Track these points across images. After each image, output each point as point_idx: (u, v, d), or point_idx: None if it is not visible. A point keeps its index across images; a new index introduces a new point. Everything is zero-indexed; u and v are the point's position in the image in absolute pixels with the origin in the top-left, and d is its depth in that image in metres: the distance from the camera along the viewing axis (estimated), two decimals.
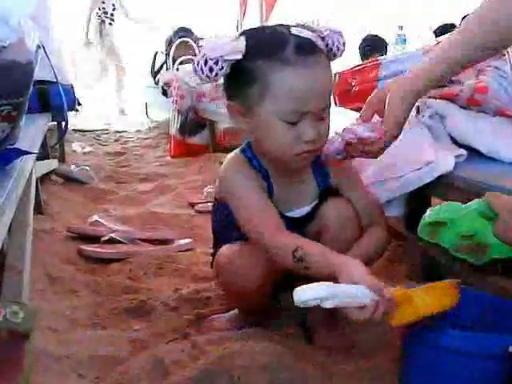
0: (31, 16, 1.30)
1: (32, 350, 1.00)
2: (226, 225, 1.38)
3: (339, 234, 1.31)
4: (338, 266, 1.08)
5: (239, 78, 1.21)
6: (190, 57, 4.37)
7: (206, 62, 1.17)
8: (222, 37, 1.20)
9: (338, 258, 1.12)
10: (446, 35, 1.64)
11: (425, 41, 1.71)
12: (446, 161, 1.39)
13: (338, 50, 1.24)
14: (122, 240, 2.11)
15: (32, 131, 2.17)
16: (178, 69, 4.27)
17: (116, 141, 5.20)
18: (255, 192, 1.27)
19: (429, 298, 1.03)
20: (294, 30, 1.19)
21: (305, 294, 1.00)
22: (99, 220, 2.33)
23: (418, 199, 1.54)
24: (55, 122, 3.33)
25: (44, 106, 2.96)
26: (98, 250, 2.03)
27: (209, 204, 2.69)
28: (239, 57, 1.17)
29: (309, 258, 1.14)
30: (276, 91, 1.16)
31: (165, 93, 4.96)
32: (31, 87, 1.26)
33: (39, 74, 2.59)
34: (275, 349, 1.22)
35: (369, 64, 1.80)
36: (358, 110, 1.80)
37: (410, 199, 1.54)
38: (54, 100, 2.95)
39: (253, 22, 5.31)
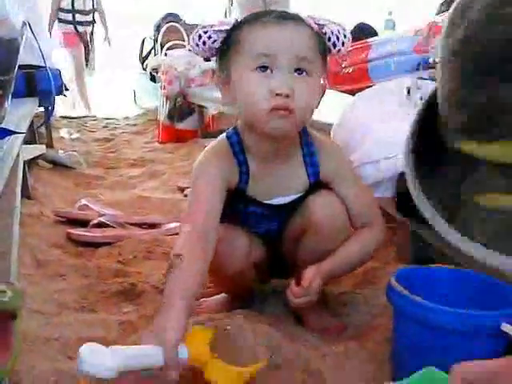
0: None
1: (20, 331, 0.99)
2: None
3: (326, 235, 1.27)
4: (161, 314, 1.02)
5: (225, 47, 1.22)
6: (179, 42, 4.34)
7: (197, 32, 1.21)
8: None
9: (171, 307, 1.01)
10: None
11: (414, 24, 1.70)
12: None
13: (338, 39, 1.20)
14: (110, 224, 2.09)
15: (19, 115, 2.15)
16: (166, 54, 4.23)
17: (104, 127, 5.16)
18: (211, 183, 1.24)
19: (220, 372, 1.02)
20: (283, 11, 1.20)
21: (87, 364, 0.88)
22: (87, 204, 2.31)
23: None
24: (42, 108, 3.30)
25: (31, 91, 2.94)
26: (87, 233, 2.02)
27: None
28: (227, 27, 1.20)
29: (170, 275, 1.07)
30: (248, 40, 1.17)
31: (153, 78, 4.93)
32: (17, 66, 1.24)
33: (26, 58, 2.56)
34: (265, 329, 1.21)
35: (359, 45, 1.79)
36: (348, 92, 1.80)
37: (400, 181, 1.53)
38: (41, 84, 2.93)
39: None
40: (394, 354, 1.16)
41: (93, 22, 6.31)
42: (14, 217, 1.64)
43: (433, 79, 1.59)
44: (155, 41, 5.14)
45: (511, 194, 0.55)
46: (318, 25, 1.19)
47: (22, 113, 2.37)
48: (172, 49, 4.34)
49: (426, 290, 1.15)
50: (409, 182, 0.68)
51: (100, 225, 2.09)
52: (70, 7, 6.09)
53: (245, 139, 1.28)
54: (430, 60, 1.58)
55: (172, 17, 5.32)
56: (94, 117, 5.76)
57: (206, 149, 1.32)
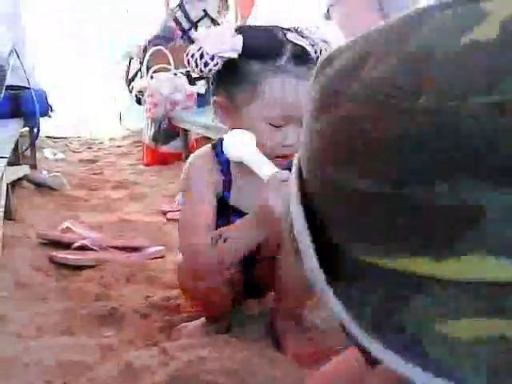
0: (4, 18, 1.30)
1: None
2: None
3: None
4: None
5: (231, 76, 1.23)
6: (165, 65, 4.37)
7: (201, 56, 1.20)
8: (218, 30, 1.23)
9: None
10: None
11: None
12: None
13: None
14: (93, 247, 2.10)
15: (3, 136, 2.16)
16: (152, 77, 4.26)
17: (89, 148, 5.16)
18: (200, 190, 1.30)
19: None
20: (290, 36, 1.22)
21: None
22: (70, 227, 2.31)
23: None
24: (27, 128, 3.30)
25: (16, 112, 2.95)
26: (69, 256, 2.02)
27: None
28: (235, 56, 1.20)
29: (224, 232, 1.21)
30: (267, 97, 1.20)
31: (138, 101, 4.95)
32: (3, 92, 1.26)
33: (12, 79, 2.58)
34: (244, 354, 1.23)
35: None
36: None
37: None
38: (26, 105, 2.94)
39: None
40: None
41: None
42: None
43: None
44: (141, 63, 5.14)
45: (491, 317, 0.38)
46: (312, 45, 1.24)
47: (7, 134, 2.38)
48: (158, 72, 4.35)
49: None
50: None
51: (82, 248, 2.10)
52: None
53: None
54: None
55: (159, 40, 5.33)
56: (79, 137, 5.74)
57: (189, 162, 1.35)
